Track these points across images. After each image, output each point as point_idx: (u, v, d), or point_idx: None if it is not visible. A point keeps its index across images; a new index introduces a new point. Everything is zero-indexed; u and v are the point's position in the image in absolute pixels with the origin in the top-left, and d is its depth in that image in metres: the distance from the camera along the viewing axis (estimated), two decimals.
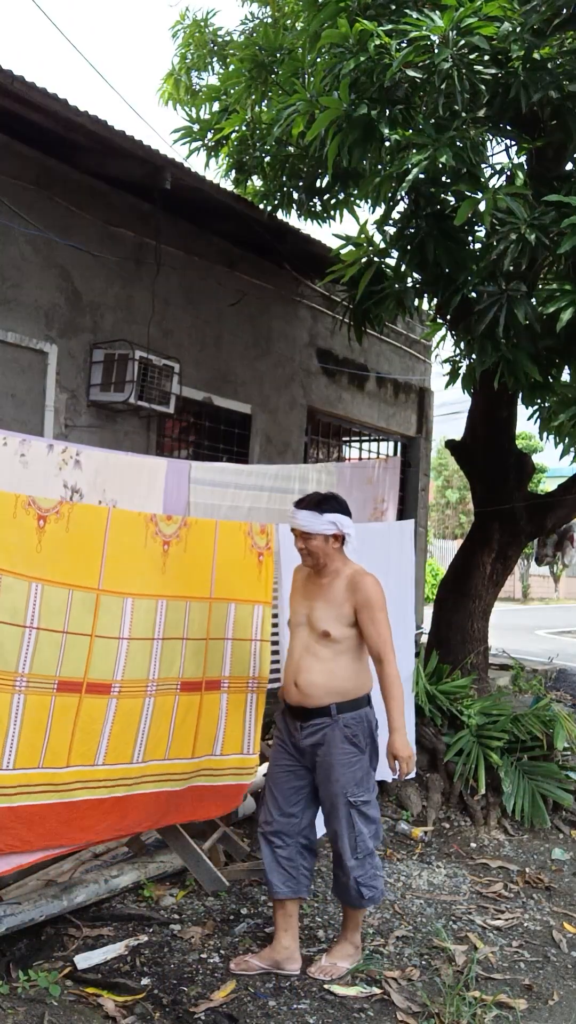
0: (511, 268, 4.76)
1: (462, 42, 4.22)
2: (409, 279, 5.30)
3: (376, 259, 5.34)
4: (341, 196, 6.13)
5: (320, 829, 3.62)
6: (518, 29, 4.36)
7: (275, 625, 4.09)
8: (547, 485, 24.25)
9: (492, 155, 6.13)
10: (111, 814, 3.37)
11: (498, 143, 5.73)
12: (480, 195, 4.54)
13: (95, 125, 5.14)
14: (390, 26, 4.47)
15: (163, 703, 3.53)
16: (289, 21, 7.07)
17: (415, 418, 10.00)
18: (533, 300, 4.81)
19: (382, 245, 5.37)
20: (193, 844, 3.81)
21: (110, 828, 3.43)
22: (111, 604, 3.35)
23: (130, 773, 3.42)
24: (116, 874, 3.87)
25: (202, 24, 7.62)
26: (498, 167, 5.02)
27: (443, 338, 6.30)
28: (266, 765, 4.11)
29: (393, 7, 4.79)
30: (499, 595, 6.85)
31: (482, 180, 4.78)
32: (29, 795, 3.14)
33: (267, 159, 6.16)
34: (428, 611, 7.65)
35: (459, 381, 5.67)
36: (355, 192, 5.90)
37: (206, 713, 3.72)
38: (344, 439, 9.71)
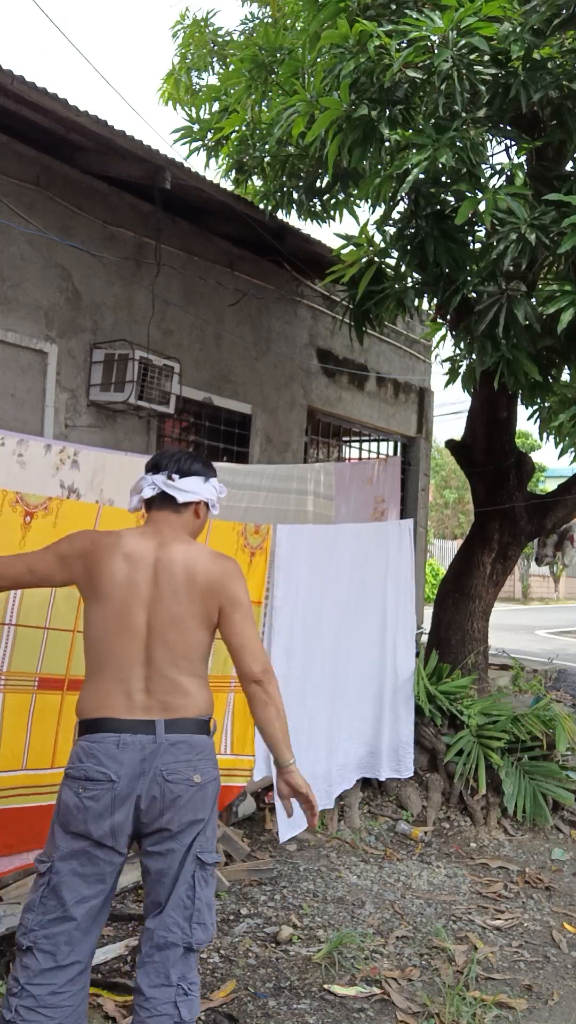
0: (511, 268, 4.76)
1: (462, 42, 4.21)
2: (409, 279, 5.30)
3: (376, 259, 5.34)
4: (341, 196, 6.12)
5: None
6: (518, 29, 4.36)
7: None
8: (547, 485, 24.27)
9: (492, 155, 6.15)
10: None
11: (498, 143, 5.74)
12: (480, 195, 4.54)
13: (95, 125, 5.14)
14: (390, 26, 4.47)
15: None
16: (289, 21, 7.08)
17: (415, 418, 9.99)
18: (533, 300, 4.81)
19: (382, 245, 5.37)
20: None
21: None
22: None
23: None
24: None
25: (202, 24, 7.63)
26: (498, 167, 5.02)
27: (443, 338, 6.30)
28: (264, 765, 4.09)
29: (393, 7, 4.79)
30: (499, 595, 6.85)
31: (482, 180, 4.77)
32: (12, 798, 3.13)
33: (267, 159, 6.16)
34: (428, 611, 7.66)
35: (459, 381, 5.68)
36: (355, 192, 5.90)
37: None
38: (344, 439, 9.71)
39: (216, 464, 5.27)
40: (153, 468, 2.71)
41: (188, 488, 2.66)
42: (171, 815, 2.43)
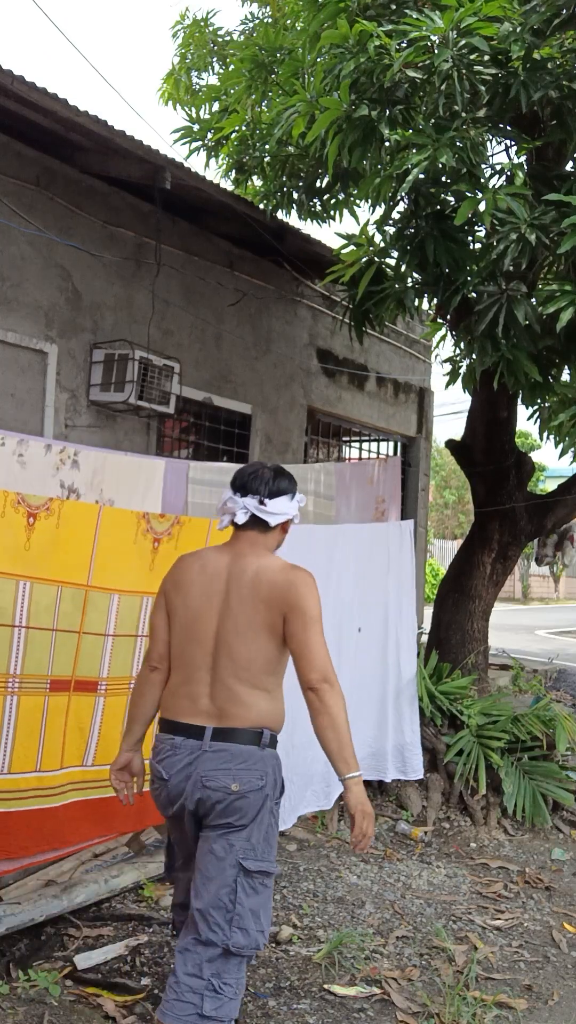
0: (511, 268, 4.76)
1: (462, 42, 4.21)
2: (409, 279, 5.30)
3: (376, 259, 5.34)
4: (341, 196, 6.12)
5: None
6: (518, 29, 4.36)
7: None
8: (547, 485, 24.26)
9: (492, 155, 6.14)
10: (102, 815, 3.36)
11: (498, 143, 5.73)
12: (480, 195, 4.54)
13: (95, 125, 5.13)
14: (390, 26, 4.47)
15: None
16: (289, 21, 7.07)
17: (415, 418, 9.99)
18: (533, 300, 4.80)
19: (382, 245, 5.37)
20: None
21: (99, 829, 3.42)
22: (98, 600, 3.36)
23: None
24: (116, 874, 3.87)
25: (202, 24, 7.62)
26: (498, 167, 5.02)
27: (443, 338, 6.30)
28: None
29: (393, 7, 4.79)
30: (499, 595, 6.85)
31: (482, 180, 4.77)
32: (23, 800, 3.14)
33: (267, 159, 6.16)
34: (428, 611, 7.65)
35: (459, 381, 5.68)
36: (355, 192, 5.90)
37: None
38: (344, 439, 9.70)
39: (215, 464, 5.29)
40: (241, 490, 2.75)
41: (278, 510, 2.75)
42: (212, 816, 2.61)
